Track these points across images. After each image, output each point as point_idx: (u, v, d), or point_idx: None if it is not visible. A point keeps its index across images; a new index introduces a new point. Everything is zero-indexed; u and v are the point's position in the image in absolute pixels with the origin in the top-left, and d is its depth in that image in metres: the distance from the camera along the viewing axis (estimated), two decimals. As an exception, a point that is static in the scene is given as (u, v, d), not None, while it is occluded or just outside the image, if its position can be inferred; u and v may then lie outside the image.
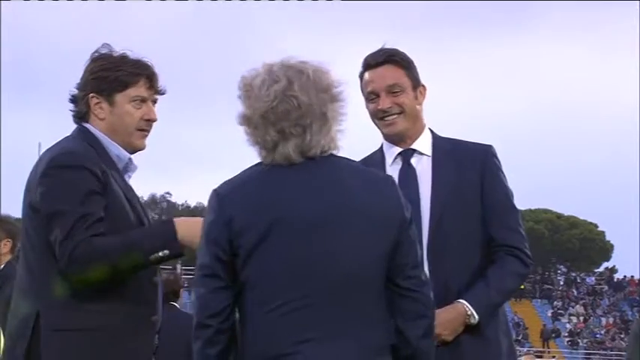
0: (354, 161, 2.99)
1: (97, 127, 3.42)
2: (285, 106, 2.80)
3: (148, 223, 3.44)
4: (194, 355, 2.82)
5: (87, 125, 3.43)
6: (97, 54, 3.45)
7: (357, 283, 2.79)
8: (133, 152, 3.48)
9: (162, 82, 3.49)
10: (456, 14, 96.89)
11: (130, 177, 3.49)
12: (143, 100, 3.42)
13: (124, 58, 3.42)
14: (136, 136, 3.44)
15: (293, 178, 2.82)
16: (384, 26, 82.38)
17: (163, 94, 3.50)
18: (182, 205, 71.22)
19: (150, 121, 3.46)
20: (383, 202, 2.84)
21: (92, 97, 3.41)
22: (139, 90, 3.41)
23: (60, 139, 3.44)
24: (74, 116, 3.47)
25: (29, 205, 3.32)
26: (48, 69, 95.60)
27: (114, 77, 3.38)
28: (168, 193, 67.46)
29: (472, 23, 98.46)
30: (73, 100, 3.46)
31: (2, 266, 5.81)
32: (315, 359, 2.72)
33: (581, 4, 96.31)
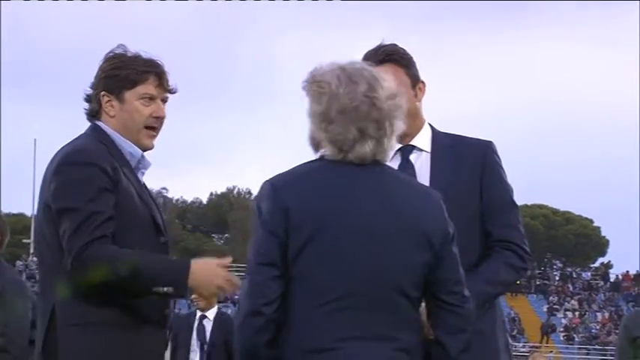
0: (403, 173, 3.11)
1: (109, 125, 3.48)
2: (366, 107, 2.87)
3: (161, 219, 3.48)
4: (239, 343, 2.83)
5: (99, 123, 3.50)
6: (111, 54, 3.51)
7: (399, 289, 2.86)
8: (142, 150, 3.53)
9: (172, 81, 3.54)
10: (454, 10, 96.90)
11: (143, 173, 3.54)
12: (152, 98, 3.47)
13: (135, 57, 3.49)
14: (143, 134, 3.49)
15: (354, 178, 2.88)
16: (384, 22, 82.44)
17: (174, 93, 3.55)
18: (178, 200, 71.24)
19: (159, 119, 3.50)
20: (429, 215, 2.92)
21: (103, 95, 3.48)
22: (148, 88, 3.46)
23: (74, 137, 3.49)
24: (87, 114, 3.54)
25: (44, 203, 3.36)
26: (44, 66, 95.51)
27: (124, 75, 3.45)
28: (164, 188, 67.39)
29: (470, 19, 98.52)
30: (87, 99, 3.54)
31: None
32: (355, 357, 2.79)
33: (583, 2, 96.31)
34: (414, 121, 3.61)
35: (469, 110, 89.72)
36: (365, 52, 3.62)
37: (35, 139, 46.92)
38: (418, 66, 3.64)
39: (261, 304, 2.80)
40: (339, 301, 2.80)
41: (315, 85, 2.91)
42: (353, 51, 3.65)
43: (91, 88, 3.52)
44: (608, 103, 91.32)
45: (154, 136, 3.52)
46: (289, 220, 2.81)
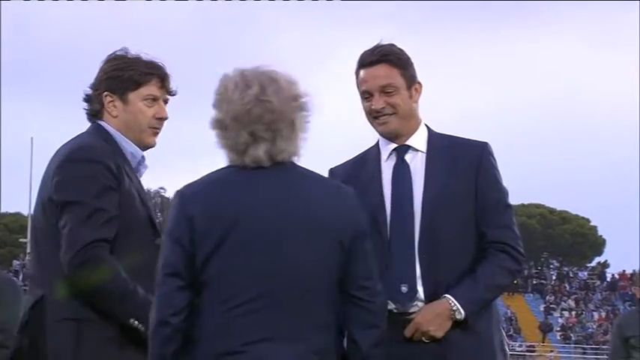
0: (314, 171, 3.06)
1: (111, 124, 3.52)
2: (258, 110, 2.90)
3: (157, 220, 3.50)
4: (150, 354, 2.87)
5: (101, 123, 3.53)
6: (113, 55, 3.55)
7: (311, 290, 2.88)
8: (144, 149, 3.58)
9: (173, 83, 3.59)
10: (456, 8, 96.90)
11: (141, 174, 3.58)
12: (155, 99, 3.53)
13: (137, 59, 3.53)
14: (147, 133, 3.54)
15: (258, 182, 2.91)
16: (387, 20, 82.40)
17: (174, 94, 3.61)
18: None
19: (162, 120, 3.56)
20: (339, 212, 2.93)
21: (106, 95, 3.51)
22: (151, 89, 3.51)
23: (77, 134, 3.52)
24: (88, 114, 3.57)
25: (46, 198, 3.37)
26: (42, 65, 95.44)
27: (127, 76, 3.49)
28: (162, 188, 67.24)
29: (470, 18, 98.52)
30: (87, 99, 3.56)
31: None
32: (264, 359, 2.82)
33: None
34: (409, 121, 3.61)
35: (466, 109, 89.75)
36: (361, 52, 3.62)
37: (32, 138, 46.81)
38: (417, 66, 3.64)
39: (169, 315, 2.84)
40: (249, 304, 2.83)
41: (217, 92, 2.98)
42: (357, 45, 3.67)
43: (92, 88, 3.55)
44: (605, 102, 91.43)
45: (157, 134, 3.58)
46: (194, 229, 2.85)
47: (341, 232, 2.90)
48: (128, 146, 3.51)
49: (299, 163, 3.00)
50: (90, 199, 3.27)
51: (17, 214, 58.05)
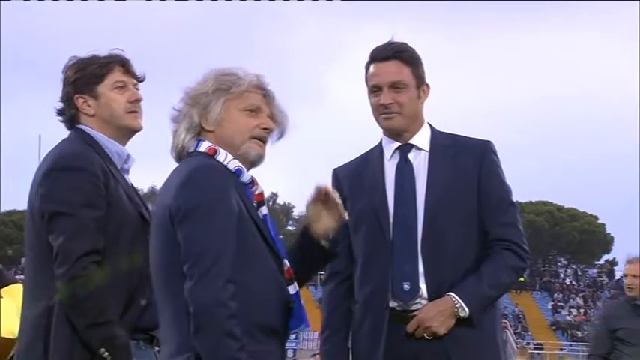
0: (196, 159, 2.97)
1: (90, 125, 3.50)
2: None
3: (149, 215, 3.48)
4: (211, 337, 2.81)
5: (81, 126, 3.51)
6: (67, 64, 3.55)
7: (156, 279, 2.93)
8: (131, 135, 3.56)
9: (138, 68, 3.58)
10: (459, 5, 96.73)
11: (128, 172, 3.56)
12: (123, 86, 3.51)
13: (93, 56, 3.54)
14: (128, 118, 3.52)
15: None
16: (398, 14, 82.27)
17: (142, 80, 3.59)
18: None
19: (136, 102, 3.54)
20: (166, 196, 2.91)
21: (77, 97, 3.51)
22: (116, 76, 3.51)
23: (59, 141, 3.50)
24: (65, 123, 3.55)
25: (33, 208, 3.39)
26: (50, 62, 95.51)
27: (89, 72, 3.49)
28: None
29: (477, 13, 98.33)
30: (60, 112, 3.55)
31: None
32: None
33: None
34: (414, 121, 3.63)
35: (476, 107, 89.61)
36: (373, 47, 3.64)
37: (40, 136, 46.83)
38: (433, 60, 3.65)
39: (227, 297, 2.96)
40: None
41: None
42: (369, 39, 3.68)
43: (61, 100, 3.54)
44: (615, 99, 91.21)
45: (139, 117, 3.55)
46: None
47: (163, 217, 2.88)
48: (112, 146, 3.49)
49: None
50: (76, 209, 3.27)
51: (25, 212, 58.01)
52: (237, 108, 2.99)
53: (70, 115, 3.53)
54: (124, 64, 3.53)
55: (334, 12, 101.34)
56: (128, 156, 3.54)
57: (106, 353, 3.24)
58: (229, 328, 2.73)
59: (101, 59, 3.52)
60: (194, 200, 2.83)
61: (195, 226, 2.81)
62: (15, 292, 4.13)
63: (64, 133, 3.56)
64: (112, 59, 3.52)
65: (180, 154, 3.01)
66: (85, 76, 3.49)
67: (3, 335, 4.26)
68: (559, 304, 52.73)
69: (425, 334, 3.47)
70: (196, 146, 2.97)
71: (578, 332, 48.89)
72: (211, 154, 2.95)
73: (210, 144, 2.97)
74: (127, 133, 3.54)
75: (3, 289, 4.24)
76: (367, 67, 3.64)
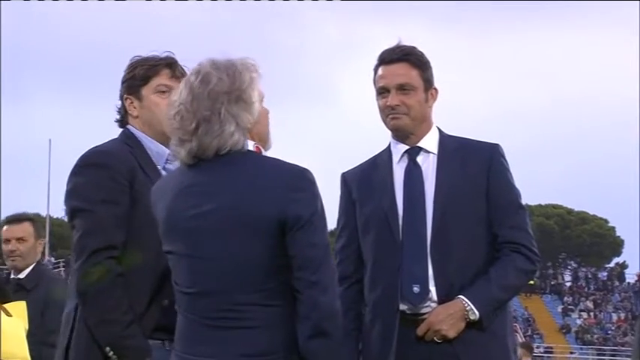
0: (260, 159, 2.93)
1: (135, 127, 3.55)
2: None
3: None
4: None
5: (128, 127, 3.56)
6: (129, 62, 3.58)
7: (234, 287, 2.82)
8: None
9: (187, 71, 3.52)
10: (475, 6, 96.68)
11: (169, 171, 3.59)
12: (168, 90, 3.50)
13: (148, 57, 3.57)
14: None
15: (183, 180, 2.92)
16: (414, 15, 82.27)
17: None
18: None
19: None
20: (261, 202, 2.79)
21: (126, 98, 3.56)
22: (161, 79, 3.53)
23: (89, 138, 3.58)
24: (117, 122, 3.60)
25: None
26: (60, 65, 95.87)
27: (137, 74, 3.53)
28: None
29: (487, 15, 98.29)
30: (118, 111, 3.61)
31: (34, 265, 5.91)
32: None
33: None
34: (421, 124, 3.64)
35: (485, 109, 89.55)
36: (382, 50, 3.66)
37: (50, 140, 46.98)
38: (444, 61, 3.66)
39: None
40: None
41: None
42: (382, 38, 3.68)
43: (119, 99, 3.60)
44: (625, 101, 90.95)
45: None
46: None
47: (260, 223, 2.78)
48: (153, 146, 3.52)
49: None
50: (94, 205, 3.29)
51: (36, 215, 58.21)
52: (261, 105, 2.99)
53: (121, 115, 3.59)
54: (171, 68, 3.54)
55: (351, 10, 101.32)
56: (169, 154, 3.51)
57: (111, 352, 3.23)
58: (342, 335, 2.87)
59: (150, 61, 3.54)
60: (313, 205, 2.80)
61: (316, 232, 2.80)
62: (20, 311, 4.11)
63: (74, 136, 3.61)
64: (160, 62, 3.54)
65: (217, 153, 2.85)
66: (134, 77, 3.53)
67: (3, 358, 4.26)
68: (569, 307, 52.58)
69: (435, 338, 3.48)
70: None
71: (588, 336, 48.79)
72: (258, 153, 2.98)
73: (253, 142, 2.97)
74: (167, 137, 3.55)
75: (8, 305, 4.24)
76: (375, 70, 3.65)
